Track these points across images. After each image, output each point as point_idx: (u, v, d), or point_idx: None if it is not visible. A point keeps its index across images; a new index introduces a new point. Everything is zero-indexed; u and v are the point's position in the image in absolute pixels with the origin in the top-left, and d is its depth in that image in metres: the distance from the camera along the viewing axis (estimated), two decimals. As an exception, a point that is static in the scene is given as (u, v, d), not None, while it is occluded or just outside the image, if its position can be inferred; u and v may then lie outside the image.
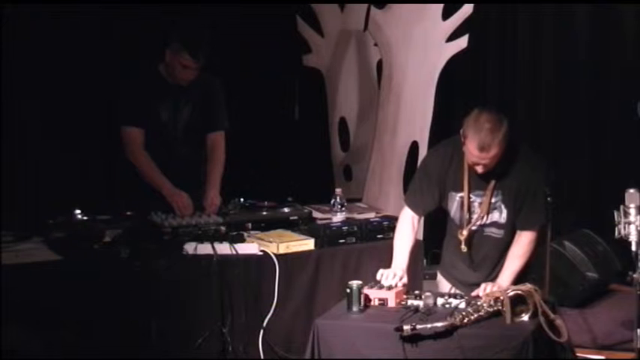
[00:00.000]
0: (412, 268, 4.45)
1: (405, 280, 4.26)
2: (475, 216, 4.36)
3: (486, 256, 4.44)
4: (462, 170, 4.34)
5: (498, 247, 4.42)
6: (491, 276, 4.41)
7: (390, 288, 4.17)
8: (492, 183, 4.32)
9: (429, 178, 4.41)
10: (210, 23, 5.33)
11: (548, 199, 4.14)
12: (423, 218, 4.55)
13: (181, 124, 5.07)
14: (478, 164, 4.23)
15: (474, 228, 4.39)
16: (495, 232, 4.41)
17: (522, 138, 4.63)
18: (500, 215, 4.37)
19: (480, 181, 4.33)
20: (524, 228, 4.35)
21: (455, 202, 4.39)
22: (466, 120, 4.22)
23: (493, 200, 4.35)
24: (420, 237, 4.96)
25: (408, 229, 4.43)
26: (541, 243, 4.34)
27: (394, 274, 4.24)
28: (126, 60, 5.73)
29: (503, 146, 4.18)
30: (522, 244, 4.35)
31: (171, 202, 4.80)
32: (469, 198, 4.35)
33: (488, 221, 4.38)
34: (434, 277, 4.77)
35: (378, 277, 4.24)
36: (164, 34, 5.09)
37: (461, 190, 4.35)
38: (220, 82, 5.16)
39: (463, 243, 4.40)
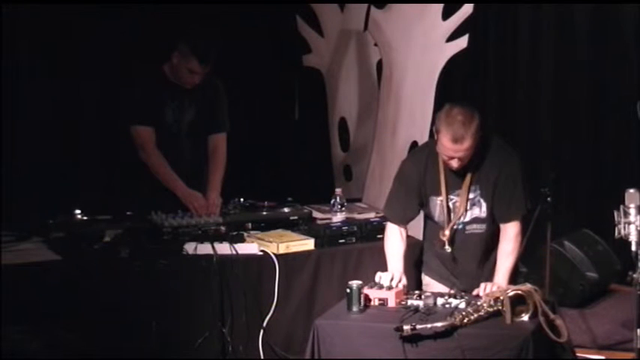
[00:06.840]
0: (408, 270, 4.44)
1: (404, 281, 4.26)
2: (455, 215, 4.36)
3: (471, 255, 4.42)
4: (438, 173, 4.34)
5: (481, 243, 4.41)
6: (479, 270, 4.41)
7: (390, 288, 4.17)
8: (468, 179, 4.32)
9: (407, 187, 4.41)
10: (210, 23, 5.33)
11: (545, 193, 4.15)
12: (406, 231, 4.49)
13: (185, 125, 5.07)
14: (453, 158, 4.22)
15: (455, 227, 4.37)
16: (477, 228, 4.39)
17: (500, 132, 4.62)
18: (480, 210, 4.36)
19: (456, 180, 4.33)
20: (507, 219, 4.34)
21: (437, 205, 4.38)
22: (438, 115, 4.24)
23: (472, 196, 4.34)
24: (420, 237, 4.96)
25: (396, 238, 4.42)
26: (541, 242, 4.34)
27: (392, 276, 4.25)
28: (127, 60, 5.72)
29: (476, 139, 4.19)
30: (509, 239, 4.33)
31: (187, 203, 4.81)
32: (448, 199, 4.34)
33: (468, 218, 4.37)
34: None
35: (376, 280, 4.24)
36: (169, 35, 5.09)
37: (440, 192, 4.35)
38: (223, 83, 5.17)
39: (447, 243, 4.39)
